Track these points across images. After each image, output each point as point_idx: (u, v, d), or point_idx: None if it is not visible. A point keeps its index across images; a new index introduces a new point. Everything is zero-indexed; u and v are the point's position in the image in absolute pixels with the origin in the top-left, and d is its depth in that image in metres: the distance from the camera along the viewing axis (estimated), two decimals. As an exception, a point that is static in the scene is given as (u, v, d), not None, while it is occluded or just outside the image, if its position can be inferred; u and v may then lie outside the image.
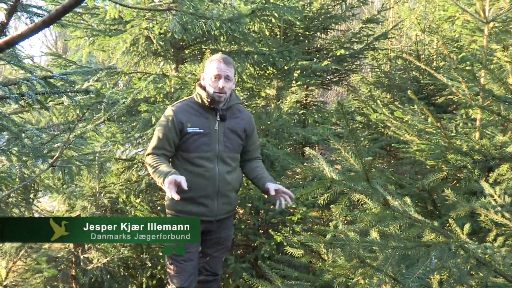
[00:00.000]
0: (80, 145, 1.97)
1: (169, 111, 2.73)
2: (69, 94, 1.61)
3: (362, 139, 4.92)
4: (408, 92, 2.89)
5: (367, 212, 1.69)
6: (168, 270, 2.80)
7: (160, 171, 2.55)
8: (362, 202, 1.86)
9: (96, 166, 2.21)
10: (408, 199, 1.96)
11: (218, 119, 2.74)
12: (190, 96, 2.88)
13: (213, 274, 2.95)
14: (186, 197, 2.66)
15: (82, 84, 2.82)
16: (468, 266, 1.82)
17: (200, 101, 2.76)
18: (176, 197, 2.38)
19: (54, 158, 1.73)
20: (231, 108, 2.82)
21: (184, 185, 2.44)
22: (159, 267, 3.88)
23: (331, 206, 2.18)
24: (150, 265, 3.82)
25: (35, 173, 2.13)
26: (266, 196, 2.89)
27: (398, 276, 1.95)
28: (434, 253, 1.44)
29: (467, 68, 3.69)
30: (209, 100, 2.71)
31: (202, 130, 2.70)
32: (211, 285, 2.98)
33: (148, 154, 2.72)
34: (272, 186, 2.69)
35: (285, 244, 3.35)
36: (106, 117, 2.23)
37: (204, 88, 2.77)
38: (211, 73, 2.71)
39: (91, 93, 1.68)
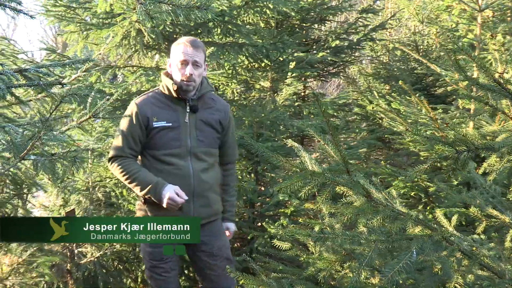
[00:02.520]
0: (51, 141, 1.93)
1: (132, 105, 2.46)
2: (43, 86, 1.58)
3: (357, 130, 4.88)
4: (400, 82, 2.86)
5: (348, 205, 1.67)
6: (149, 283, 2.57)
7: (142, 180, 2.36)
8: (346, 195, 1.84)
9: (68, 161, 2.19)
10: (394, 191, 1.93)
11: (188, 110, 2.45)
12: (156, 88, 2.60)
13: None
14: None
15: (70, 77, 2.80)
16: (454, 259, 1.80)
17: (166, 91, 2.47)
18: (186, 197, 2.33)
19: (24, 152, 1.72)
20: (202, 97, 2.52)
21: (184, 196, 2.33)
22: (154, 261, 3.87)
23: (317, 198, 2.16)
24: (144, 258, 3.82)
25: (20, 170, 2.13)
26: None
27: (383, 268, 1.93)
28: (415, 246, 1.41)
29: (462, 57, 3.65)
30: (175, 89, 2.42)
31: (170, 124, 2.42)
32: None
33: (114, 157, 2.45)
34: (224, 227, 2.66)
35: (277, 237, 3.34)
36: (92, 113, 2.20)
37: (170, 77, 2.49)
38: (177, 58, 2.41)
39: (65, 85, 1.66)
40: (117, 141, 2.44)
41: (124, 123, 2.44)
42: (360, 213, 1.51)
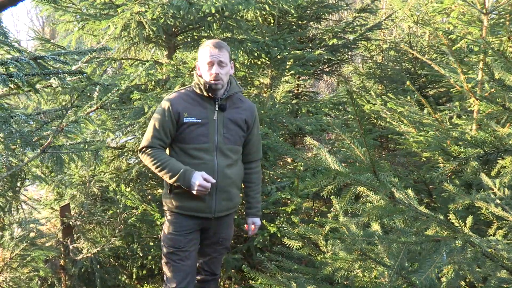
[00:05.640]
0: (72, 132, 1.87)
1: (165, 101, 2.62)
2: (61, 75, 1.51)
3: (356, 130, 4.86)
4: (407, 83, 2.85)
5: (371, 205, 1.65)
6: (163, 270, 2.69)
7: (172, 168, 2.50)
8: (365, 195, 1.82)
9: (90, 154, 2.13)
10: (411, 192, 1.92)
11: (217, 108, 2.61)
12: (188, 85, 2.76)
13: (212, 274, 2.88)
14: (183, 192, 2.57)
15: (71, 67, 2.71)
16: (472, 259, 1.79)
17: (198, 90, 2.63)
18: (213, 181, 2.50)
19: (45, 144, 1.65)
20: (231, 97, 2.69)
21: (211, 179, 2.48)
22: (149, 257, 3.81)
23: (331, 197, 2.14)
24: (141, 255, 3.75)
25: (23, 161, 2.05)
26: None
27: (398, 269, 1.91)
28: (445, 248, 1.40)
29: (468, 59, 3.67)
30: (206, 88, 2.59)
31: (199, 120, 2.57)
32: (210, 284, 2.91)
33: (145, 147, 2.60)
34: (249, 222, 2.91)
35: (278, 235, 3.30)
36: (100, 104, 2.14)
37: (201, 77, 2.65)
38: (203, 60, 2.59)
39: (84, 74, 1.59)
40: (149, 133, 2.59)
41: (156, 117, 2.58)
42: (386, 213, 1.49)
